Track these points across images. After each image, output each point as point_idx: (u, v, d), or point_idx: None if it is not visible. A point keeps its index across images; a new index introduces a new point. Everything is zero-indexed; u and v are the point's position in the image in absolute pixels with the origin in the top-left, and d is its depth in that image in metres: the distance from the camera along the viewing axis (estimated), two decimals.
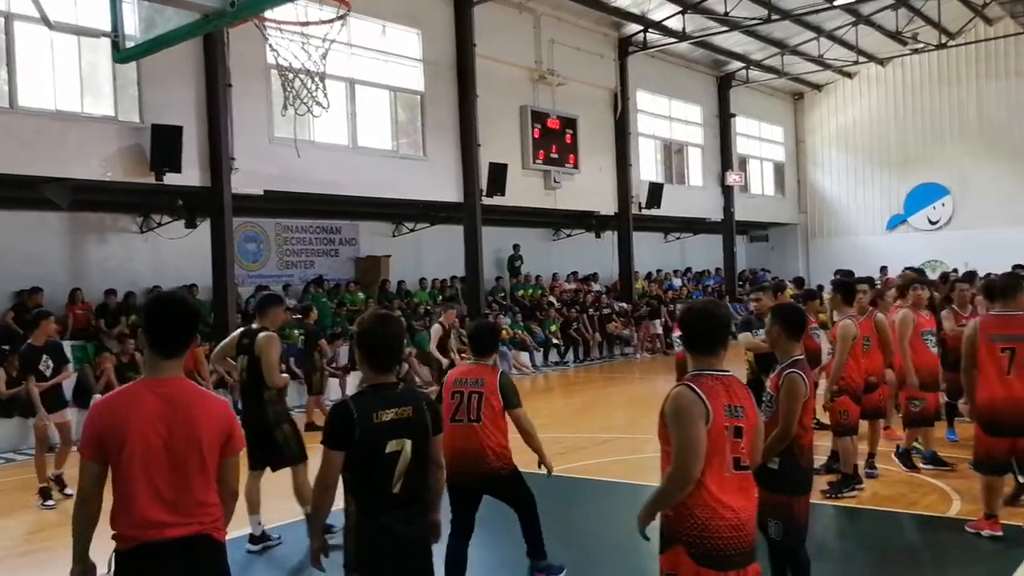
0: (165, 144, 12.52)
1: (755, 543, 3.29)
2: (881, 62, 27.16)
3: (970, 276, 10.72)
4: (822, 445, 7.66)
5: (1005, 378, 5.72)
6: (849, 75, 28.59)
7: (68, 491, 8.22)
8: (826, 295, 11.66)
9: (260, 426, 6.27)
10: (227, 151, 13.50)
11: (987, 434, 5.85)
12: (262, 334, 6.28)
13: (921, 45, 24.67)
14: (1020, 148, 26.08)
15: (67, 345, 12.27)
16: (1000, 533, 5.82)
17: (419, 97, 17.10)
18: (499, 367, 5.12)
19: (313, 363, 12.09)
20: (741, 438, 3.27)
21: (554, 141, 19.60)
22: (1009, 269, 10.88)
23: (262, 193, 14.23)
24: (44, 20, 5.76)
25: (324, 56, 6.52)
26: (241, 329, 6.76)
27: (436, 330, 12.66)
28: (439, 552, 3.98)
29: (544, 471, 5.15)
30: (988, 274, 10.02)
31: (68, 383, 10.69)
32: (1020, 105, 26.10)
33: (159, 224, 14.49)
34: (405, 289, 17.90)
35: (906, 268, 13.96)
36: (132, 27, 6.58)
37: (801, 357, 4.51)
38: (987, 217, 25.96)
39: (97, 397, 11.61)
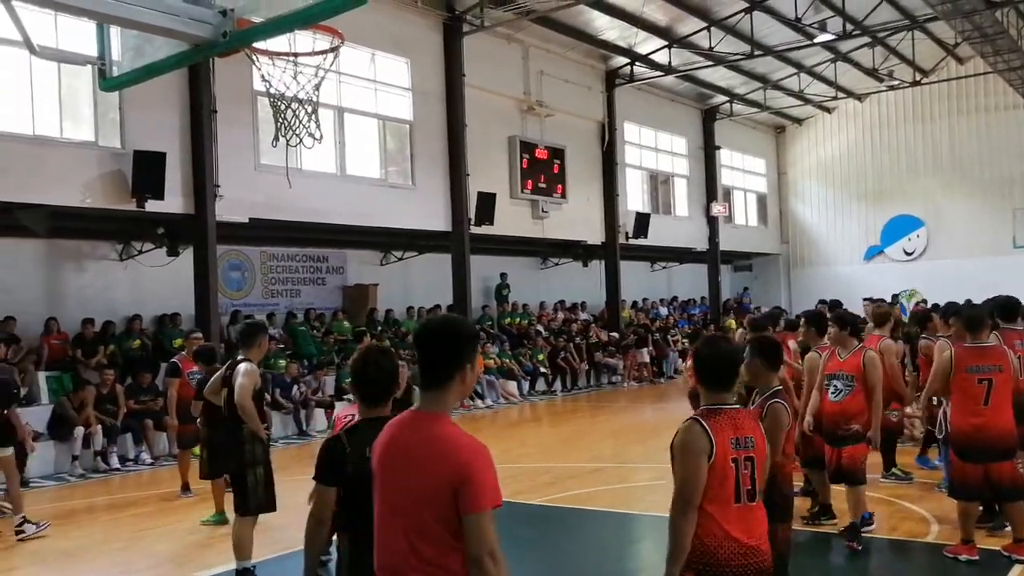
0: (147, 170, 12.30)
1: (769, 567, 3.38)
2: (859, 97, 27.70)
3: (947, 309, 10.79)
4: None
5: (982, 408, 5.87)
6: (828, 110, 29.08)
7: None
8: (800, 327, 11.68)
9: (235, 465, 6.05)
10: (212, 178, 13.37)
11: (963, 461, 5.96)
12: (242, 365, 6.06)
13: (896, 82, 25.19)
14: (990, 182, 26.65)
15: (41, 376, 11.97)
16: (976, 557, 5.91)
17: (408, 126, 17.19)
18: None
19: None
20: (752, 468, 3.38)
21: (542, 171, 19.74)
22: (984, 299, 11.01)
23: (247, 221, 14.10)
24: (28, 46, 5.40)
25: (317, 87, 6.52)
26: (228, 362, 6.51)
27: None
28: None
29: None
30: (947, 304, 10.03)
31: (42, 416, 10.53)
32: (990, 140, 26.68)
33: (140, 252, 14.17)
34: (393, 318, 17.84)
35: (864, 299, 14.19)
36: (119, 54, 6.53)
37: (781, 388, 4.64)
38: (960, 248, 26.45)
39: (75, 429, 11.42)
